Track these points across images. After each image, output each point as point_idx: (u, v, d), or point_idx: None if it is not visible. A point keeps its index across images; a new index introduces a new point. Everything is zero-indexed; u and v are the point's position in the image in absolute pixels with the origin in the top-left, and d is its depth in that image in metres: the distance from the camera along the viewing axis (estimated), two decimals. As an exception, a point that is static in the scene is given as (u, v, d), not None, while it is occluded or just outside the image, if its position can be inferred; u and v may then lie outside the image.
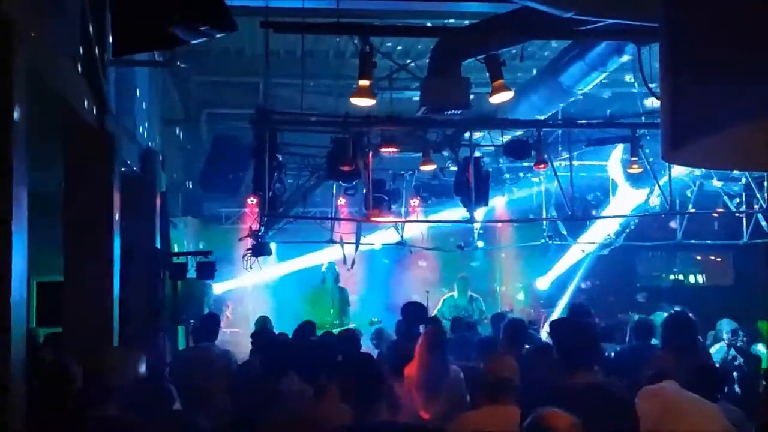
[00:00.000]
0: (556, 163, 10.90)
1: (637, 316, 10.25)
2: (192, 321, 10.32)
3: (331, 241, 13.04)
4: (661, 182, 11.29)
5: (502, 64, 7.45)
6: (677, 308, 10.23)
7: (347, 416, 4.24)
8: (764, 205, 12.23)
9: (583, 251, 15.19)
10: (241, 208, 14.37)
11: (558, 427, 3.13)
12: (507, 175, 13.68)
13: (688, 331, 6.28)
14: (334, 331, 10.63)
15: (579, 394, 3.94)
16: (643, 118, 10.47)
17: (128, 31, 5.80)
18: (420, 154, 10.65)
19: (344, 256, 13.04)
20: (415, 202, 13.51)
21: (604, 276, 16.11)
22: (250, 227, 12.25)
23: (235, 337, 12.34)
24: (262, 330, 9.21)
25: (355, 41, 7.37)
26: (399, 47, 10.77)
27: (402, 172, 12.93)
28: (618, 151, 12.75)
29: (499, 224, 15.83)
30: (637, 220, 13.88)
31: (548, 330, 9.51)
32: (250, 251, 11.94)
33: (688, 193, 12.88)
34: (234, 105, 12.94)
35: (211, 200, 14.53)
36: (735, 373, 8.45)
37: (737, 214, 13.06)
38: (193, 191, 13.88)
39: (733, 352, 9.53)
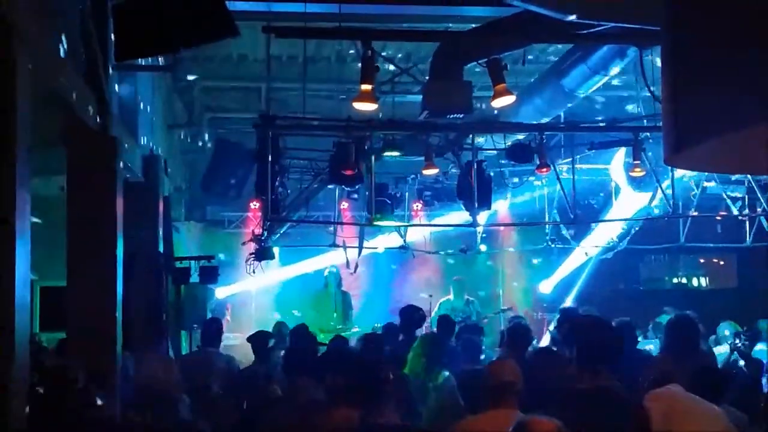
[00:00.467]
0: (558, 167, 10.89)
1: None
2: (195, 325, 10.32)
3: (334, 245, 13.03)
4: (663, 185, 11.29)
5: (504, 68, 7.45)
6: (681, 311, 10.31)
7: (354, 420, 4.25)
8: (767, 208, 12.22)
9: (586, 254, 15.17)
10: (244, 213, 14.37)
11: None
12: (510, 179, 13.69)
13: (690, 335, 6.28)
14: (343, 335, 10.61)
15: (586, 398, 3.94)
16: (645, 121, 10.46)
17: (131, 35, 5.81)
18: (422, 158, 10.65)
19: (347, 260, 13.03)
20: (417, 205, 13.51)
21: (607, 280, 16.09)
22: (253, 231, 12.25)
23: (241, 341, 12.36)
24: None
25: (357, 46, 7.37)
26: (401, 51, 10.78)
27: (404, 175, 12.93)
28: (620, 155, 12.74)
29: (502, 228, 15.81)
30: (640, 224, 13.89)
31: (553, 331, 9.53)
32: (253, 255, 11.94)
33: (691, 196, 12.87)
34: (237, 109, 12.97)
35: (214, 205, 14.54)
36: (736, 376, 8.43)
37: (740, 217, 13.05)
38: (196, 196, 13.88)
39: (735, 355, 9.51)
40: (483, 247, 15.09)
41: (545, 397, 4.44)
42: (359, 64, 7.29)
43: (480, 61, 7.57)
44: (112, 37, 6.69)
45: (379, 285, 15.38)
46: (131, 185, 8.27)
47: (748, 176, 11.92)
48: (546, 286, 16.29)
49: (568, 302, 15.33)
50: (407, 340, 7.84)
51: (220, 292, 13.76)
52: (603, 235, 14.63)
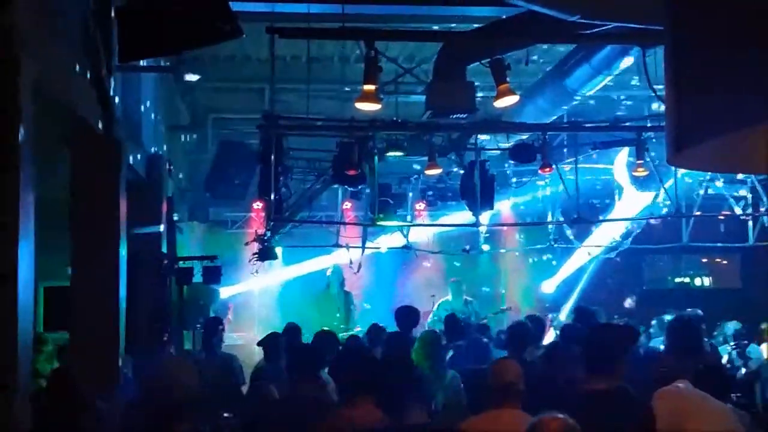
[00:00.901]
0: (561, 167, 10.89)
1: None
2: (198, 325, 10.34)
3: (337, 246, 13.04)
4: (666, 185, 11.29)
5: (507, 68, 7.45)
6: (682, 311, 10.33)
7: (378, 420, 4.24)
8: (770, 208, 12.23)
9: (589, 254, 15.17)
10: (247, 213, 14.38)
11: (550, 430, 3.13)
12: (513, 179, 13.70)
13: (692, 334, 6.28)
14: (341, 335, 10.62)
15: (594, 399, 3.94)
16: (648, 121, 10.46)
17: (134, 37, 5.82)
18: (425, 158, 10.66)
19: (350, 260, 13.04)
20: (420, 205, 13.52)
21: (610, 279, 16.09)
22: (256, 232, 12.27)
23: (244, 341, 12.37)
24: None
25: (361, 46, 7.38)
26: (404, 52, 10.78)
27: (407, 175, 12.94)
28: (623, 155, 12.74)
29: (505, 228, 15.81)
30: (643, 223, 13.89)
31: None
32: (256, 255, 11.95)
33: (695, 196, 12.87)
34: (240, 110, 12.97)
35: (218, 205, 14.55)
36: (737, 376, 8.46)
37: (743, 217, 13.05)
38: (200, 196, 13.90)
39: (734, 354, 9.54)
40: (486, 247, 15.09)
41: (552, 397, 4.45)
42: (362, 65, 7.29)
43: (483, 61, 7.57)
44: (116, 38, 6.72)
45: (382, 285, 15.38)
46: (135, 186, 8.28)
47: (751, 176, 11.91)
48: (548, 286, 16.30)
49: (570, 303, 15.37)
50: (404, 341, 7.82)
51: (223, 292, 13.77)
52: (606, 235, 14.63)
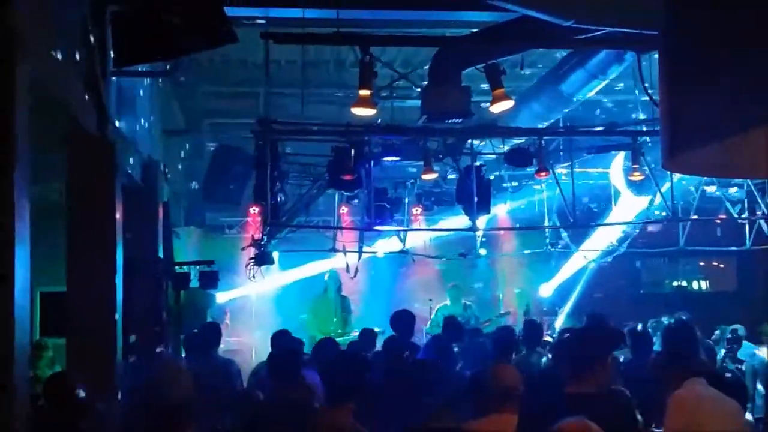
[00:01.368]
0: (557, 171, 10.91)
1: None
2: (195, 330, 10.33)
3: (334, 250, 13.04)
4: (663, 189, 11.30)
5: (502, 73, 7.46)
6: (683, 315, 10.35)
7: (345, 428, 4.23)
8: (766, 211, 12.23)
9: (585, 258, 15.19)
10: (244, 218, 14.38)
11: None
12: (509, 183, 13.71)
13: (688, 338, 6.27)
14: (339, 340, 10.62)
15: (578, 402, 3.95)
16: (644, 126, 10.48)
17: (130, 42, 5.82)
18: (421, 163, 10.66)
19: (347, 264, 13.04)
20: (417, 210, 13.54)
21: (607, 283, 16.11)
22: (253, 236, 12.27)
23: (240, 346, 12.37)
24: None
25: (356, 50, 7.39)
26: (400, 56, 10.78)
27: (403, 180, 12.94)
28: (619, 159, 12.76)
29: (502, 232, 15.83)
30: (640, 227, 13.91)
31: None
32: (253, 260, 11.95)
33: (691, 200, 12.88)
34: (236, 115, 12.97)
35: (214, 210, 14.55)
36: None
37: (740, 220, 13.07)
38: (196, 201, 13.89)
39: (727, 357, 9.57)
40: (483, 252, 15.11)
41: (547, 401, 4.46)
42: (358, 69, 7.29)
43: (478, 66, 7.58)
44: (111, 42, 6.72)
45: (378, 290, 15.39)
46: (130, 191, 8.27)
47: (747, 179, 11.93)
48: (546, 290, 16.31)
49: (567, 307, 15.39)
50: (401, 346, 7.82)
51: (220, 297, 13.77)
52: (603, 239, 14.65)
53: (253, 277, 12.13)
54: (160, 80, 10.57)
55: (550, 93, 9.47)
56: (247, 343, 13.49)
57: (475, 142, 10.57)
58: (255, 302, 15.17)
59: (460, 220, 12.33)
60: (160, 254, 9.90)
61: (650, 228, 13.95)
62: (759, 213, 12.52)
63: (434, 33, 9.62)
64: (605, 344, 4.39)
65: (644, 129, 10.37)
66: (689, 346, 5.15)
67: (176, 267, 10.44)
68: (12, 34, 4.44)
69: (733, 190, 12.79)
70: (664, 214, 12.73)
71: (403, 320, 8.19)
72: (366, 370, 4.68)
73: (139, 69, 8.27)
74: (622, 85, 11.06)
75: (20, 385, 4.45)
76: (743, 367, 9.87)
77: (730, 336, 10.11)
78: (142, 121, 9.72)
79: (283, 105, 11.35)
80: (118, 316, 7.03)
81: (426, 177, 11.03)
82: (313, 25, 8.10)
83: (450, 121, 8.15)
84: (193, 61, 11.15)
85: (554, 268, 16.17)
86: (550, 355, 8.41)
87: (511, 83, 8.56)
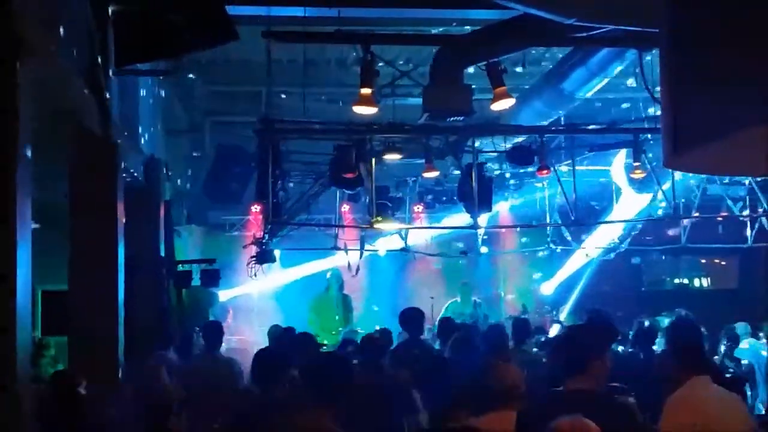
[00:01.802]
0: (559, 169, 10.91)
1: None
2: (197, 329, 10.34)
3: (336, 248, 13.05)
4: (664, 187, 11.30)
5: (504, 71, 7.46)
6: (682, 311, 10.35)
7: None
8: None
9: (587, 256, 15.19)
10: (246, 216, 14.38)
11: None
12: (511, 181, 13.71)
13: (693, 335, 6.28)
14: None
15: (571, 399, 3.96)
16: (645, 123, 10.48)
17: (131, 41, 5.83)
18: (423, 161, 10.66)
19: (348, 263, 13.05)
20: (418, 208, 13.54)
21: (609, 281, 16.10)
22: (255, 235, 12.27)
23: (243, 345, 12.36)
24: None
25: (357, 49, 7.39)
26: (401, 54, 10.80)
27: (405, 178, 12.95)
28: (621, 156, 12.76)
29: (503, 230, 15.83)
30: (641, 225, 13.92)
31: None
32: (255, 258, 11.95)
33: (693, 198, 12.88)
34: (238, 113, 12.98)
35: (216, 208, 14.55)
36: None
37: (741, 218, 13.06)
38: (198, 199, 13.90)
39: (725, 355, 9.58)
40: (484, 249, 15.11)
41: (542, 399, 4.47)
42: (359, 68, 7.30)
43: (480, 64, 7.58)
44: (113, 42, 6.73)
45: (380, 288, 15.39)
46: (133, 189, 8.28)
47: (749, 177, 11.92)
48: (547, 288, 16.31)
49: (569, 304, 15.39)
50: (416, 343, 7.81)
51: (222, 296, 13.77)
52: (604, 237, 14.65)
53: (255, 275, 12.13)
54: (161, 79, 10.57)
55: (552, 91, 9.47)
56: (250, 342, 13.48)
57: (477, 140, 10.57)
58: (257, 300, 15.17)
59: (462, 218, 12.33)
60: (162, 253, 9.91)
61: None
62: (761, 210, 12.52)
63: (436, 31, 9.64)
64: (601, 341, 4.38)
65: (646, 126, 10.36)
66: (695, 344, 5.16)
67: (178, 265, 10.45)
68: (14, 34, 4.45)
69: (739, 193, 12.79)
70: (661, 212, 12.76)
71: (415, 319, 8.20)
72: (348, 371, 4.66)
73: (141, 68, 8.28)
74: (633, 82, 11.05)
75: (22, 385, 4.46)
76: (743, 362, 9.86)
77: (729, 334, 10.10)
78: (145, 120, 9.73)
79: (284, 104, 11.37)
80: (120, 315, 7.04)
81: (427, 175, 11.03)
82: (314, 24, 8.12)
83: (451, 119, 8.15)
84: (195, 61, 11.17)
85: (555, 266, 16.16)
86: (536, 350, 8.45)
87: (513, 81, 8.56)
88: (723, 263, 17.21)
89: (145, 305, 9.05)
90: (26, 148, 4.58)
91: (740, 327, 10.30)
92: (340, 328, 12.64)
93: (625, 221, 13.51)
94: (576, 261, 15.70)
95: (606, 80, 8.77)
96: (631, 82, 11.40)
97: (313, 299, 13.66)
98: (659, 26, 2.85)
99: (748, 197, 12.86)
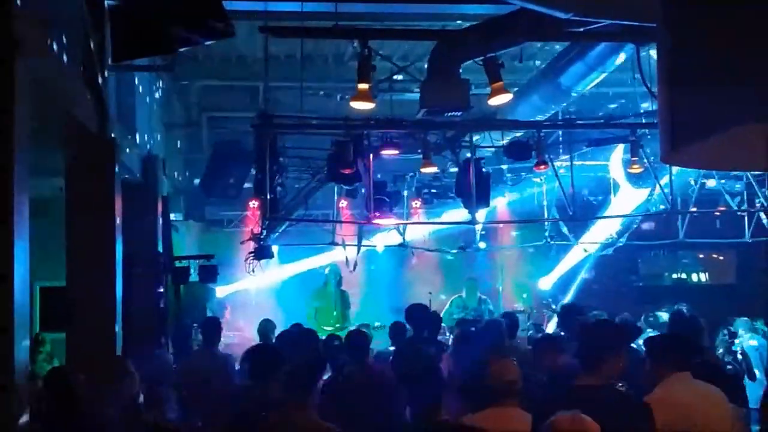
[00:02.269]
0: (556, 164, 10.90)
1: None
2: (195, 324, 10.34)
3: (333, 244, 13.05)
4: (662, 181, 11.30)
5: (501, 66, 7.45)
6: (683, 306, 10.35)
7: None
8: (766, 204, 12.24)
9: (585, 251, 15.20)
10: (243, 212, 14.37)
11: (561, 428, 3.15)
12: (508, 176, 13.71)
13: (692, 329, 6.30)
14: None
15: (585, 395, 3.96)
16: (643, 118, 10.47)
17: (128, 36, 5.81)
18: (421, 156, 10.66)
19: (346, 258, 13.05)
20: (416, 203, 13.53)
21: (607, 276, 16.11)
22: (252, 230, 12.27)
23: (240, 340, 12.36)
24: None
25: (355, 44, 7.37)
26: (398, 50, 10.78)
27: (403, 173, 12.94)
28: (618, 151, 12.76)
29: (501, 225, 15.83)
30: (639, 220, 13.92)
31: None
32: (252, 254, 11.95)
33: (690, 192, 12.88)
34: (235, 109, 12.96)
35: (213, 204, 14.54)
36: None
37: (739, 213, 13.07)
38: (195, 195, 13.90)
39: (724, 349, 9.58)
40: (482, 245, 15.12)
41: (540, 392, 4.47)
42: (357, 63, 7.29)
43: (477, 59, 7.57)
44: (110, 37, 6.71)
45: (378, 283, 15.39)
46: (130, 185, 8.28)
47: (747, 172, 11.93)
48: (545, 283, 16.32)
49: (567, 299, 15.39)
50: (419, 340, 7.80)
51: (220, 291, 13.77)
52: (602, 232, 14.66)
53: (253, 271, 12.13)
54: (158, 74, 10.56)
55: (549, 86, 9.46)
56: (247, 337, 13.49)
57: (475, 135, 10.56)
58: (255, 296, 15.17)
59: (460, 214, 12.33)
60: (160, 248, 9.91)
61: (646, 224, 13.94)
62: (758, 205, 12.53)
63: (433, 26, 9.62)
64: (620, 338, 4.41)
65: (643, 121, 10.36)
66: (674, 342, 5.17)
67: (176, 261, 10.45)
68: (10, 32, 4.44)
69: (736, 188, 12.80)
70: (661, 207, 12.75)
71: (423, 315, 8.20)
72: (322, 369, 4.69)
73: (138, 63, 8.27)
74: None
75: (20, 384, 4.46)
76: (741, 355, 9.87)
77: (729, 328, 10.10)
78: (142, 116, 9.72)
79: (282, 99, 11.34)
80: (117, 310, 7.04)
81: (425, 170, 11.02)
82: (311, 19, 8.10)
83: (449, 114, 8.14)
84: (192, 56, 11.15)
85: (553, 261, 16.17)
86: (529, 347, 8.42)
87: (510, 76, 8.55)
88: (721, 258, 17.21)
89: (144, 301, 9.06)
90: (24, 145, 4.57)
91: (741, 323, 10.30)
92: (338, 324, 12.65)
93: (623, 216, 13.51)
94: (574, 256, 15.71)
95: (603, 75, 8.76)
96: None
97: (311, 295, 13.67)
98: (657, 24, 2.85)
99: (745, 192, 12.87)
